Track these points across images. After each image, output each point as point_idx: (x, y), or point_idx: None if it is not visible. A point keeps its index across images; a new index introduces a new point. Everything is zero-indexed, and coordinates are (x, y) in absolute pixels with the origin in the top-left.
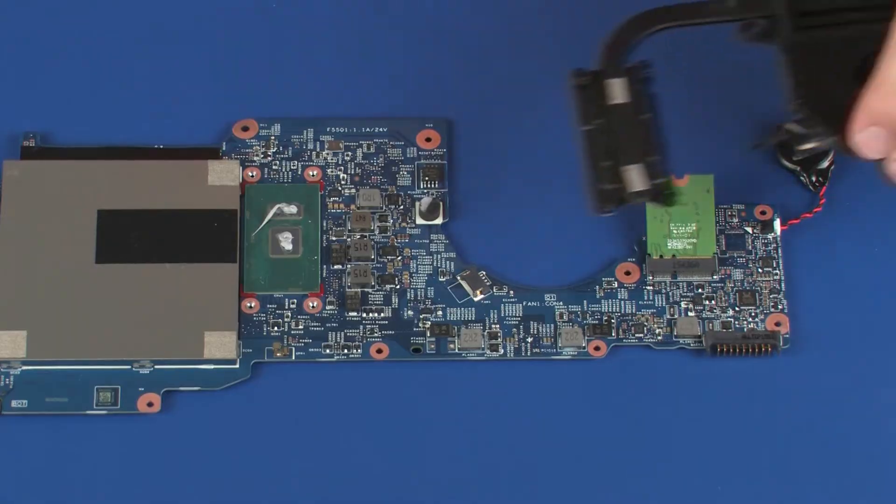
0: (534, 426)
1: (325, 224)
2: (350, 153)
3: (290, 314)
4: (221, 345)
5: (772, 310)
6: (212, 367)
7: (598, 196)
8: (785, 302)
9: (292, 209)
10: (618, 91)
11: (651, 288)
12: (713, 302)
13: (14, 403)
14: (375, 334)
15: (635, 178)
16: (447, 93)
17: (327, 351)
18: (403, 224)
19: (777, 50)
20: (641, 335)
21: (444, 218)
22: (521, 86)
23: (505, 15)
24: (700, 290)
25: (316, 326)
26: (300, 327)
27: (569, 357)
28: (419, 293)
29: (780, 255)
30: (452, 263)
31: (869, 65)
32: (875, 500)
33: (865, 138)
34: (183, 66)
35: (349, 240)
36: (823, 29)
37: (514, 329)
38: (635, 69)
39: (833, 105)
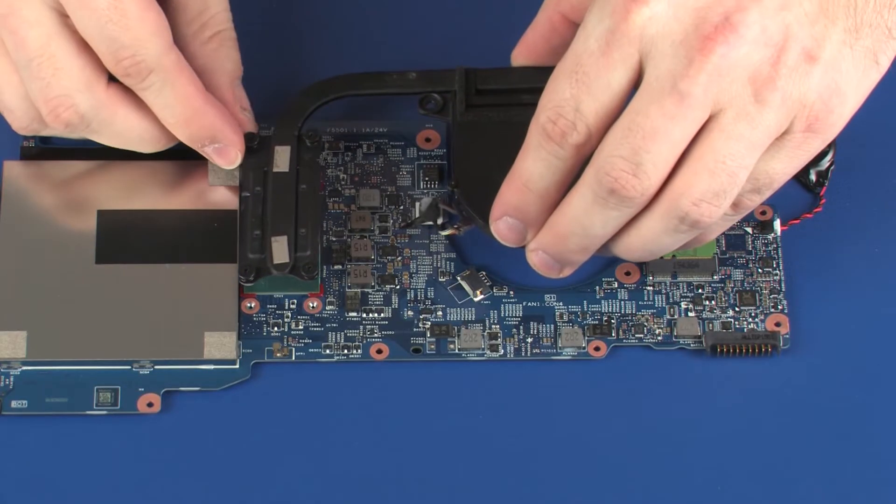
0: (534, 426)
1: (325, 224)
2: (350, 153)
3: (290, 314)
4: (221, 345)
5: (772, 310)
6: (212, 367)
7: (242, 265)
8: (785, 302)
9: None
10: (281, 159)
11: (651, 288)
12: (713, 302)
13: (14, 403)
14: (375, 334)
15: (279, 250)
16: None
17: (327, 351)
18: (403, 224)
19: (450, 126)
20: (641, 335)
21: (443, 218)
22: None
23: (504, 15)
24: (700, 291)
25: (316, 327)
26: (300, 327)
27: (569, 357)
28: (419, 293)
29: (780, 255)
30: (452, 264)
31: None
32: (875, 500)
33: (501, 228)
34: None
35: (349, 240)
36: (495, 109)
37: (514, 329)
38: (305, 137)
39: (487, 190)
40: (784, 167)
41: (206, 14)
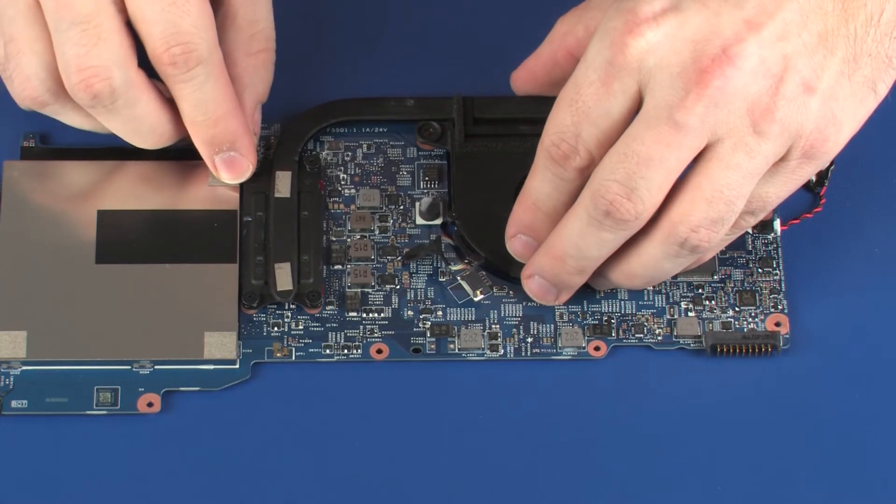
0: (534, 426)
1: (325, 224)
2: (350, 153)
3: (290, 314)
4: (221, 345)
5: (772, 310)
6: (212, 367)
7: (245, 291)
8: (785, 302)
9: None
10: (283, 185)
11: (651, 288)
12: (713, 302)
13: (14, 403)
14: (375, 334)
15: (282, 277)
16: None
17: (327, 351)
18: (403, 224)
19: (449, 155)
20: (641, 335)
21: (444, 218)
22: None
23: (504, 17)
24: (700, 290)
25: (316, 327)
26: (300, 327)
27: (569, 357)
28: (419, 293)
29: (780, 255)
30: (453, 264)
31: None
32: (874, 500)
33: (516, 245)
34: None
35: (349, 240)
36: (494, 140)
37: (514, 329)
38: (306, 162)
39: (487, 221)
40: (778, 191)
41: (256, 26)
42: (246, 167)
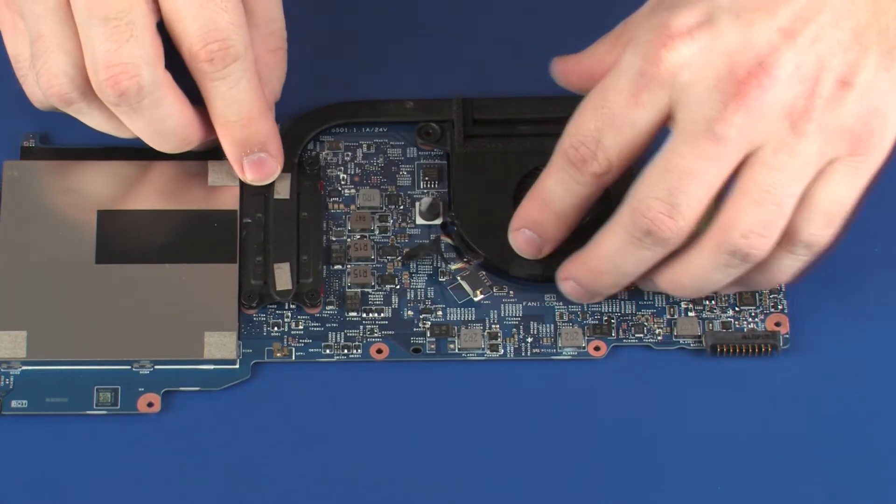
0: (534, 426)
1: (325, 224)
2: (350, 153)
3: (289, 314)
4: (221, 345)
5: (772, 310)
6: (212, 367)
7: (245, 291)
8: (785, 302)
9: None
10: (282, 186)
11: None
12: (713, 302)
13: (14, 403)
14: (375, 334)
15: (281, 277)
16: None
17: (327, 351)
18: (403, 224)
19: (448, 156)
20: (641, 335)
21: (444, 218)
22: (521, 87)
23: (504, 18)
24: None
25: (316, 327)
26: (300, 327)
27: (569, 357)
28: (419, 293)
29: None
30: (452, 264)
31: (532, 179)
32: (874, 500)
33: (519, 239)
34: (182, 66)
35: (349, 240)
36: (493, 140)
37: (514, 329)
38: (305, 163)
39: (486, 222)
40: (845, 192)
41: (273, 24)
42: (274, 169)
